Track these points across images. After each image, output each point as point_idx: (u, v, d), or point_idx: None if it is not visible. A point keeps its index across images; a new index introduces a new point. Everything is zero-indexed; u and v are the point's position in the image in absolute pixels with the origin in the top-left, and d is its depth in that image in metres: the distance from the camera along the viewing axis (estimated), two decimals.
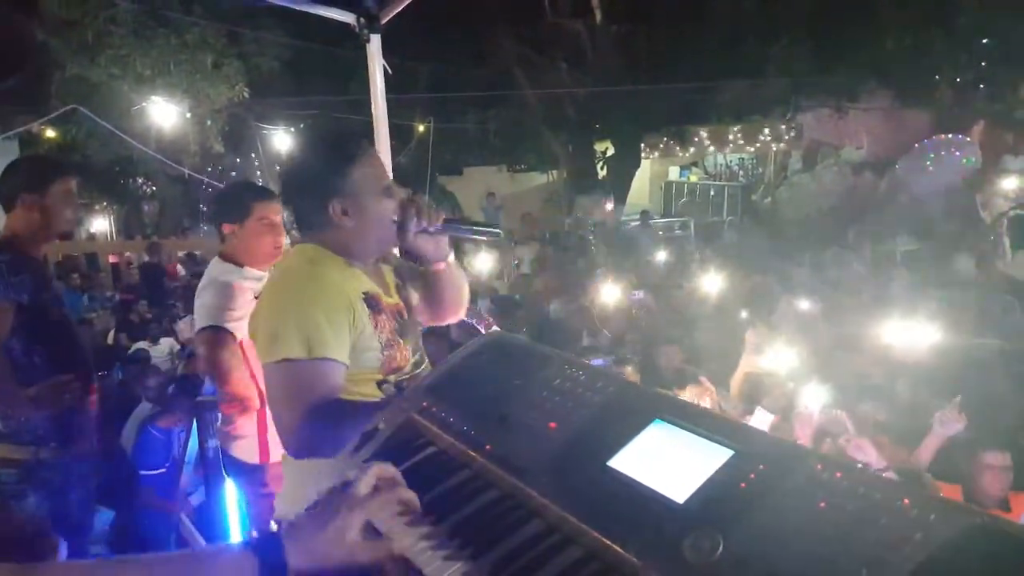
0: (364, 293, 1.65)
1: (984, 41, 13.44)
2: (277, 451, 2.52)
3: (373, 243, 1.71)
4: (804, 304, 5.49)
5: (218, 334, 2.55)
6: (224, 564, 0.93)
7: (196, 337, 2.71)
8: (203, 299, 2.63)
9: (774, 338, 4.29)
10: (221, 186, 14.60)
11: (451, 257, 1.84)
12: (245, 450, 2.67)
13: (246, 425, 2.64)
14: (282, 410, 1.53)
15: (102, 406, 2.86)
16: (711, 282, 6.26)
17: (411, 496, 1.04)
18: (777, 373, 3.91)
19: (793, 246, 11.28)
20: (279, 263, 1.81)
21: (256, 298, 2.58)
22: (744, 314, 5.29)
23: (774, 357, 3.98)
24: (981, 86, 14.24)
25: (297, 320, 1.51)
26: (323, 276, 1.61)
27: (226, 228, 2.68)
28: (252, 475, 2.66)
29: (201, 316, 2.62)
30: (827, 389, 3.29)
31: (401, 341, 1.69)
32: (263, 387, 2.44)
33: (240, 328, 2.51)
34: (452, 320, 2.04)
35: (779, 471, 0.87)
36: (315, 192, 1.64)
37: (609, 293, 6.31)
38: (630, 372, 3.92)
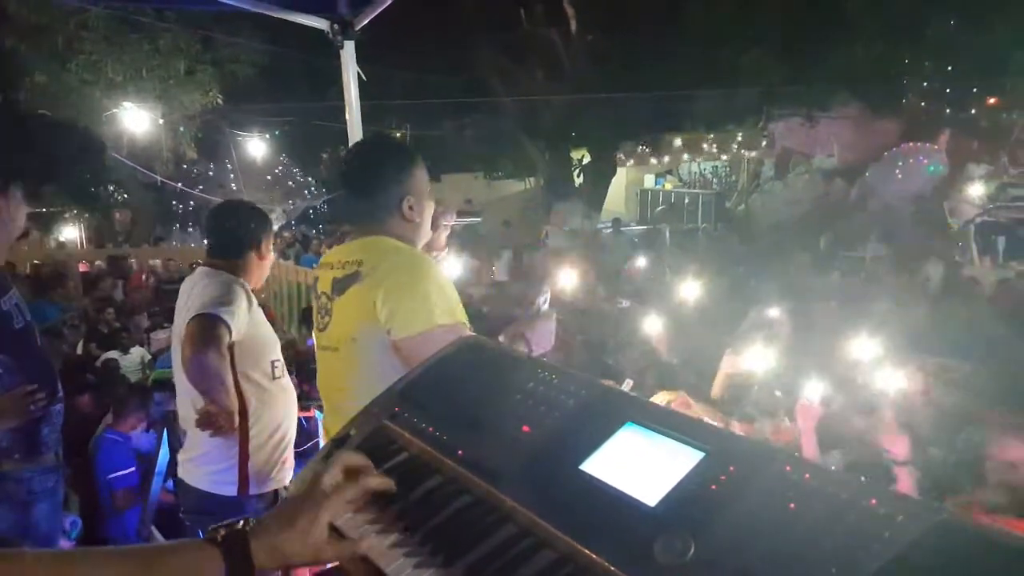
0: None
1: (950, 51, 13.75)
2: (259, 483, 2.45)
3: (423, 237, 1.98)
4: (773, 312, 5.51)
5: (215, 322, 2.25)
6: (190, 559, 0.91)
7: (188, 324, 2.31)
8: (207, 293, 2.37)
9: (752, 341, 4.27)
10: (200, 194, 14.49)
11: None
12: (218, 482, 2.43)
13: (221, 450, 2.40)
14: None
15: (70, 417, 2.78)
16: (689, 289, 6.28)
17: (381, 481, 1.02)
18: (756, 374, 3.91)
19: (765, 253, 11.41)
20: (380, 252, 1.81)
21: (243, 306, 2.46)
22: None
23: (754, 358, 3.96)
24: (948, 94, 14.57)
25: (438, 293, 1.73)
26: (431, 259, 1.87)
27: (264, 246, 2.61)
28: (225, 512, 2.32)
29: (199, 306, 2.33)
30: (827, 383, 3.29)
31: None
32: (249, 399, 2.40)
33: (236, 330, 2.31)
34: None
35: (750, 472, 0.88)
36: (394, 189, 1.87)
37: (590, 300, 6.33)
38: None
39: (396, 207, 1.88)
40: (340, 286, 1.83)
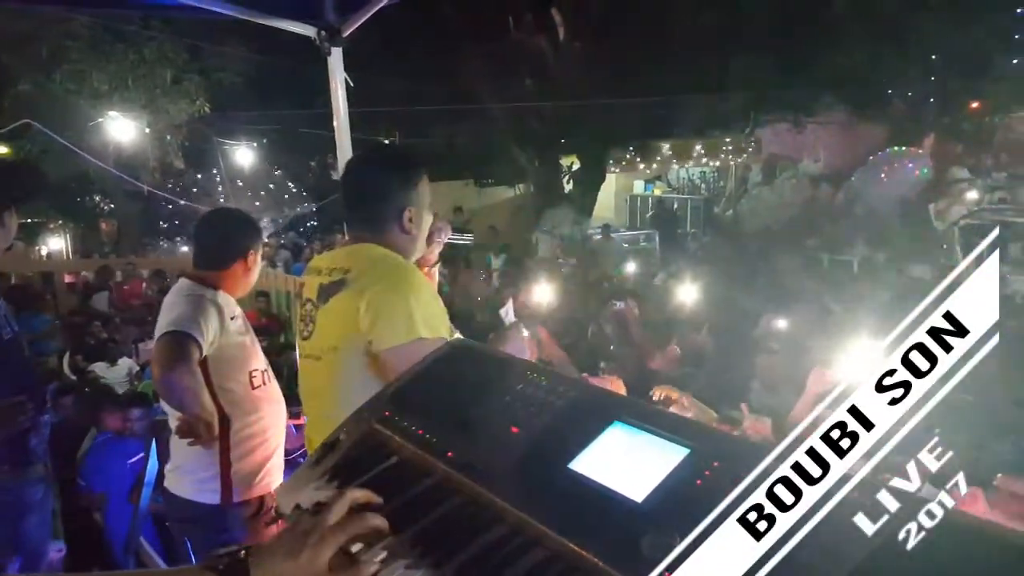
0: None
1: (933, 56, 13.90)
2: (243, 490, 2.44)
3: (419, 250, 1.97)
4: (782, 323, 5.55)
5: (182, 339, 2.25)
6: None
7: (156, 343, 2.34)
8: (174, 312, 2.37)
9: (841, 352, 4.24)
10: (187, 203, 14.45)
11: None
12: (202, 490, 2.42)
13: (203, 459, 2.39)
14: None
15: (54, 429, 2.78)
16: (686, 292, 6.34)
17: (382, 524, 1.03)
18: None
19: (754, 257, 11.48)
20: (367, 260, 1.80)
21: (229, 318, 2.46)
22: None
23: (849, 370, 3.94)
24: (931, 100, 14.73)
25: (420, 305, 1.70)
26: (417, 270, 1.85)
27: (251, 257, 2.57)
28: (209, 520, 2.40)
29: (166, 324, 2.33)
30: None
31: None
32: (228, 409, 2.40)
33: (206, 344, 2.31)
34: None
35: (733, 467, 0.89)
36: (395, 200, 1.86)
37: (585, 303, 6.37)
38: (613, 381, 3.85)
39: (395, 219, 1.86)
40: (325, 293, 1.81)
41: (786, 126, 16.01)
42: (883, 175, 13.90)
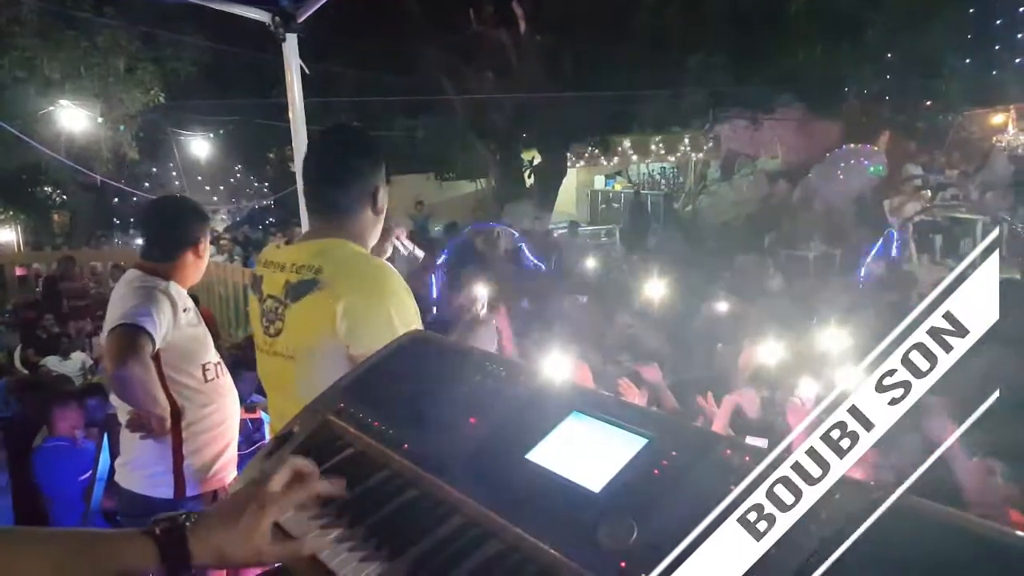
0: None
1: (888, 55, 14.24)
2: (197, 484, 2.40)
3: (378, 233, 1.92)
4: (722, 306, 5.69)
5: (135, 332, 2.20)
6: (123, 549, 0.87)
7: (107, 337, 2.29)
8: (125, 304, 2.31)
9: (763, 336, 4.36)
10: (142, 195, 14.08)
11: None
12: (154, 484, 2.38)
13: (155, 453, 2.35)
14: None
15: (10, 424, 2.68)
16: (651, 288, 6.41)
17: (330, 486, 1.00)
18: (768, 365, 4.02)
19: (713, 251, 11.64)
20: (342, 260, 1.74)
21: (180, 311, 2.40)
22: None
23: (769, 351, 4.07)
24: (887, 98, 15.08)
25: (399, 311, 1.69)
26: (393, 271, 1.79)
27: (201, 245, 2.53)
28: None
29: (117, 317, 2.27)
30: (817, 383, 3.42)
31: None
32: (181, 403, 2.34)
33: (159, 337, 2.27)
34: None
35: (690, 457, 0.89)
36: (369, 178, 1.82)
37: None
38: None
39: (369, 197, 1.83)
40: (295, 292, 1.75)
41: (744, 123, 16.27)
42: (839, 172, 14.19)
